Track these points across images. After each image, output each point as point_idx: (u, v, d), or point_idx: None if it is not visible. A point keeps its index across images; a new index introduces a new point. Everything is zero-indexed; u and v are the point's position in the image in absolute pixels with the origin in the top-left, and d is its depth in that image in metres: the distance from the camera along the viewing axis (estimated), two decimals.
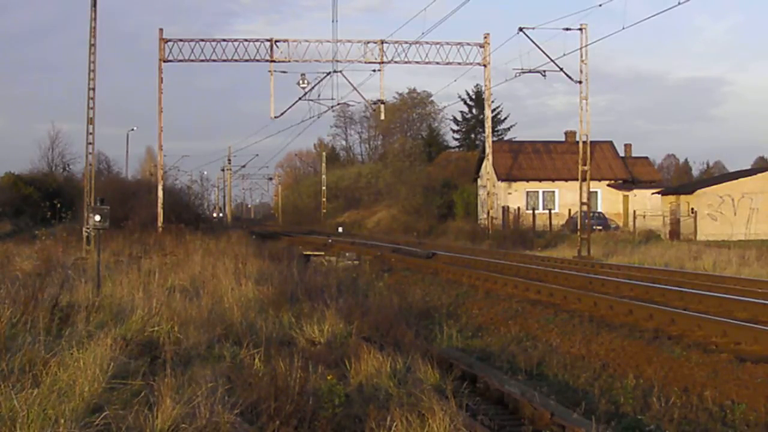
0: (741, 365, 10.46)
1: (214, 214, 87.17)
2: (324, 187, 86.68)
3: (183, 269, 18.23)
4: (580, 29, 32.75)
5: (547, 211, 50.05)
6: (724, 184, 45.57)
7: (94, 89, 30.13)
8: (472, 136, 74.05)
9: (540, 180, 56.11)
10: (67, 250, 21.72)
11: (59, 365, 8.25)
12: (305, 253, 31.27)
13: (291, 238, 46.45)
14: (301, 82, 42.75)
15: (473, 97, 72.12)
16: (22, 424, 6.55)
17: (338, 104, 45.63)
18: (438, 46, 43.20)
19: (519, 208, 50.25)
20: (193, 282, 16.44)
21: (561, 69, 35.34)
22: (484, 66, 44.87)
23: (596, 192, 52.17)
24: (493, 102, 51.89)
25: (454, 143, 77.84)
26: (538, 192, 56.09)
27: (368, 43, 42.99)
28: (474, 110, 73.15)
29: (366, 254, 31.51)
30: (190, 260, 20.09)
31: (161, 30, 42.22)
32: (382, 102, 44.92)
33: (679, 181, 79.92)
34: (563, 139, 60.12)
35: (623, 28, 63.25)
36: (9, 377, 7.60)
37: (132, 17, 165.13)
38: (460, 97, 74.85)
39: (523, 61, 52.43)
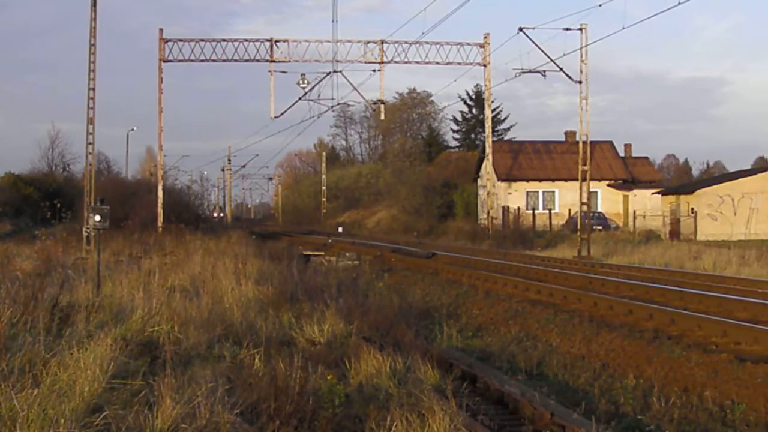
0: (741, 365, 10.45)
1: (214, 214, 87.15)
2: (324, 187, 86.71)
3: (183, 269, 18.22)
4: (580, 29, 32.74)
5: (547, 211, 50.09)
6: (724, 184, 45.58)
7: (94, 89, 30.17)
8: (472, 136, 74.05)
9: (540, 180, 56.10)
10: (67, 250, 21.70)
11: (59, 365, 8.24)
12: (305, 253, 31.27)
13: (291, 238, 46.42)
14: (301, 82, 42.75)
15: (473, 97, 72.13)
16: (22, 424, 6.54)
17: (338, 104, 45.73)
18: (438, 46, 43.23)
19: (519, 208, 50.24)
20: (193, 282, 16.44)
21: (561, 69, 35.36)
22: (484, 66, 44.87)
23: (596, 192, 52.16)
24: (493, 102, 51.90)
25: (454, 143, 77.91)
26: (538, 192, 56.09)
27: (368, 43, 43.00)
28: (474, 110, 73.14)
29: (366, 254, 31.51)
30: (190, 260, 20.08)
31: (161, 30, 42.30)
32: (382, 102, 44.91)
33: (679, 181, 79.99)
34: (563, 139, 60.12)
35: (623, 28, 62.88)
36: (9, 377, 7.59)
37: (132, 17, 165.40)
38: (460, 97, 75.05)
39: (523, 61, 52.72)
